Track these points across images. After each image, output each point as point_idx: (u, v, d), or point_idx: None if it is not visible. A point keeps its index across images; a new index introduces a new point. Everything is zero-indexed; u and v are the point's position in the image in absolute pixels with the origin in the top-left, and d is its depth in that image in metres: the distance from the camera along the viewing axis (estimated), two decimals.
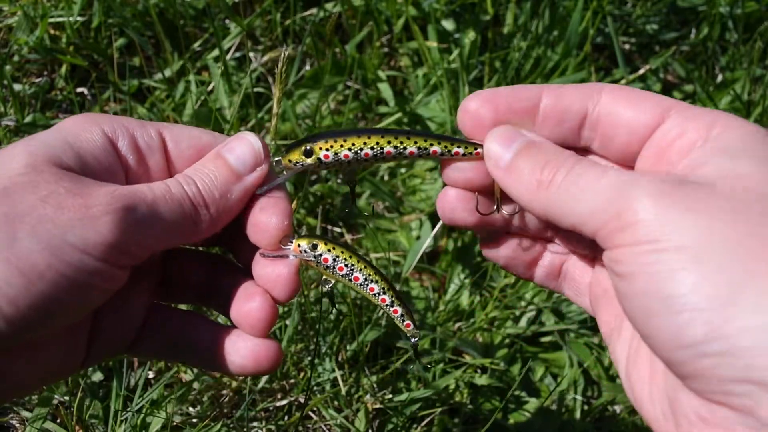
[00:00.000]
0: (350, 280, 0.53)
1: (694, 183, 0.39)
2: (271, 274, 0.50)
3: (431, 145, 0.51)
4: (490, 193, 0.51)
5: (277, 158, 0.52)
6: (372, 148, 0.51)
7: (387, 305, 0.54)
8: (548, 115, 0.48)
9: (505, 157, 0.47)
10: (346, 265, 0.53)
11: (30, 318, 0.40)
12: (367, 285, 0.53)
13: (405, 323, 0.55)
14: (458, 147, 0.50)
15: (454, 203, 0.51)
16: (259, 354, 0.50)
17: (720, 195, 0.38)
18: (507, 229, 0.53)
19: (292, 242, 0.51)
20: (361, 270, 0.53)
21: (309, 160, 0.51)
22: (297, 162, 0.51)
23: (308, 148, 0.51)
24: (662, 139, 0.44)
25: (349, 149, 0.51)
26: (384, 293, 0.54)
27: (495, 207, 0.51)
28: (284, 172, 0.52)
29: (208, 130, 0.53)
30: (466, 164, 0.51)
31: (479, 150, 0.50)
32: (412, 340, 0.56)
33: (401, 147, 0.51)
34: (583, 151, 0.50)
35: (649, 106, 0.45)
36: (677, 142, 0.43)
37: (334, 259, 0.53)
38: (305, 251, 0.52)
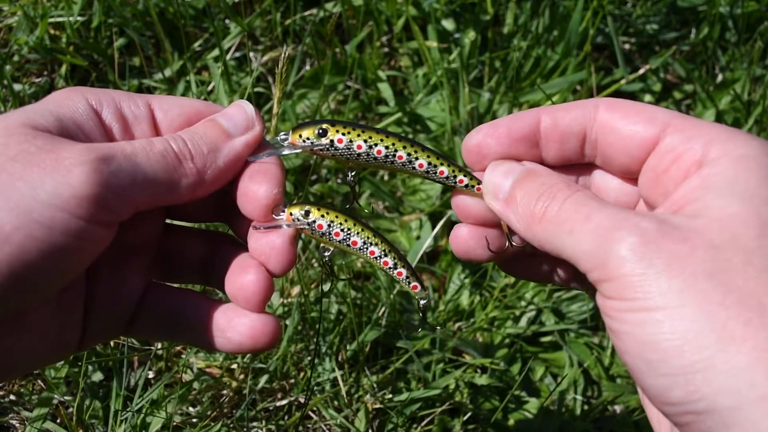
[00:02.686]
0: (348, 245, 0.51)
1: (676, 228, 0.39)
2: (265, 245, 0.49)
3: (441, 164, 0.51)
4: (499, 225, 0.51)
5: (284, 134, 0.51)
6: (387, 147, 0.50)
7: (390, 268, 0.52)
8: (550, 137, 0.49)
9: (503, 188, 0.48)
10: (342, 230, 0.51)
11: (2, 285, 0.38)
12: (367, 248, 0.51)
13: (411, 285, 0.53)
14: (464, 176, 0.50)
15: (468, 241, 0.51)
16: (255, 329, 0.48)
17: (701, 245, 0.38)
18: (523, 253, 0.53)
19: (284, 211, 0.49)
20: (358, 233, 0.51)
21: (321, 140, 0.50)
22: (308, 139, 0.50)
23: (324, 127, 0.49)
24: (658, 165, 0.44)
25: (365, 141, 0.50)
26: (386, 255, 0.52)
27: (506, 242, 0.51)
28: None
29: (201, 100, 0.51)
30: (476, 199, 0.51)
31: (480, 186, 0.50)
32: (422, 302, 0.53)
33: (414, 156, 0.50)
34: (589, 166, 0.50)
35: (644, 125, 0.45)
36: (673, 167, 0.43)
37: (329, 225, 0.50)
38: (298, 219, 0.50)
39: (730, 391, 0.35)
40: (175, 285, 0.54)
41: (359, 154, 0.50)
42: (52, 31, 1.16)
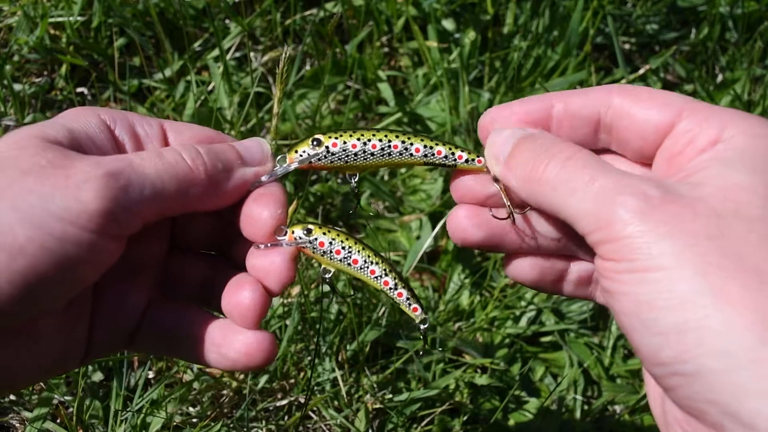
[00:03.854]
0: (349, 264, 0.51)
1: (681, 196, 0.39)
2: (264, 263, 0.49)
3: (437, 144, 0.51)
4: (500, 205, 0.51)
5: (280, 156, 0.52)
6: (380, 141, 0.51)
7: (390, 288, 0.52)
8: (562, 122, 0.49)
9: (504, 150, 0.48)
10: (343, 248, 0.51)
11: (14, 296, 0.39)
12: (368, 268, 0.51)
13: (412, 308, 0.52)
14: (462, 151, 0.51)
15: (465, 222, 0.51)
16: (250, 346, 0.48)
17: (705, 212, 0.38)
18: (522, 249, 0.52)
19: (286, 232, 0.50)
20: (359, 252, 0.51)
21: (316, 149, 0.51)
22: (304, 152, 0.51)
23: (317, 137, 0.51)
24: (673, 147, 0.45)
25: (358, 139, 0.51)
26: (386, 275, 0.51)
27: (508, 214, 0.50)
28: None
29: (213, 129, 0.53)
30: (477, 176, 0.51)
31: (481, 158, 0.50)
32: (422, 326, 0.53)
33: (408, 142, 0.51)
34: (603, 151, 0.50)
35: (660, 109, 0.45)
36: (687, 149, 0.44)
37: (330, 243, 0.51)
38: (300, 237, 0.50)
39: (721, 353, 0.35)
40: (175, 302, 0.54)
41: (356, 154, 0.51)
42: (52, 31, 1.16)
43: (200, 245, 0.56)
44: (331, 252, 0.51)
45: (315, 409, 0.94)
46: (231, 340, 0.49)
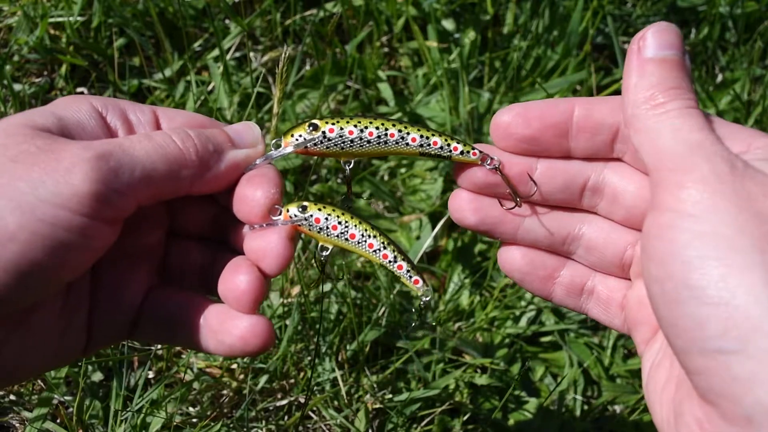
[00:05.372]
0: (346, 239, 0.50)
1: (756, 175, 0.39)
2: (261, 243, 0.48)
3: (433, 135, 0.51)
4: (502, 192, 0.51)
5: (276, 140, 0.52)
6: (377, 128, 0.51)
7: (390, 261, 0.51)
8: (582, 128, 0.48)
9: (648, 51, 0.45)
10: (339, 223, 0.50)
11: (8, 284, 0.38)
12: (366, 242, 0.50)
13: (413, 280, 0.51)
14: (457, 143, 0.51)
15: (465, 206, 0.51)
16: (246, 331, 0.47)
17: (764, 192, 0.38)
18: (516, 238, 0.52)
19: (281, 212, 0.49)
20: (356, 226, 0.50)
21: (313, 134, 0.51)
22: (300, 136, 0.51)
23: (314, 122, 0.51)
24: None
25: (355, 126, 0.51)
26: (385, 248, 0.51)
27: (512, 202, 0.51)
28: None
29: (205, 115, 0.52)
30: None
31: (476, 151, 0.51)
32: (424, 299, 0.52)
33: (405, 131, 0.51)
34: (615, 161, 0.50)
35: None
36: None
37: (326, 218, 0.50)
38: (295, 215, 0.49)
39: None
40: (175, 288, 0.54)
41: (352, 141, 0.51)
42: (52, 31, 1.16)
43: (198, 232, 0.55)
44: (327, 228, 0.50)
45: (315, 409, 0.94)
46: (228, 326, 0.48)
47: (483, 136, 1.16)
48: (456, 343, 1.00)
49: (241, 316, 0.48)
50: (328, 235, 0.50)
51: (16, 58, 1.15)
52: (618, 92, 1.38)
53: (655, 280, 0.40)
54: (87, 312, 0.49)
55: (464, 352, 1.01)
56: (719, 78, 1.30)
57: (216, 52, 1.19)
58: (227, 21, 1.23)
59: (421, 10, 1.23)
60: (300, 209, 0.50)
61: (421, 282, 0.51)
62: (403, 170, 1.16)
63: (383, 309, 0.99)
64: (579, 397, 1.01)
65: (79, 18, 1.16)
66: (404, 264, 0.51)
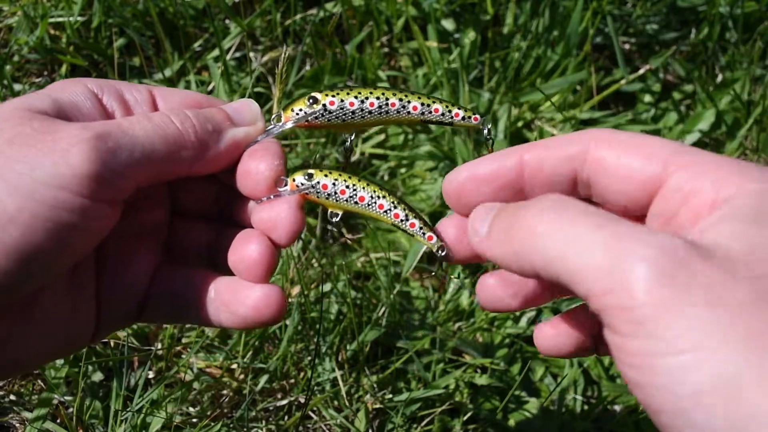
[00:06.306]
0: (356, 202, 0.50)
1: (703, 258, 0.32)
2: (270, 214, 0.48)
3: (434, 102, 0.51)
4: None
5: (275, 115, 0.52)
6: (378, 98, 0.51)
7: (402, 220, 0.50)
8: (535, 185, 0.45)
9: (482, 229, 0.43)
10: (347, 187, 0.50)
11: (10, 269, 0.38)
12: (375, 203, 0.50)
13: (427, 236, 0.50)
14: (459, 109, 0.51)
15: (496, 291, 0.51)
16: (259, 300, 0.46)
17: (732, 277, 0.31)
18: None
19: (286, 183, 0.49)
20: (364, 188, 0.50)
21: (313, 107, 0.50)
22: (300, 110, 0.51)
23: (314, 95, 0.51)
24: (666, 209, 0.39)
25: (356, 97, 0.50)
26: (395, 207, 0.50)
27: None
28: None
29: (202, 93, 0.52)
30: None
31: (477, 116, 0.51)
32: (440, 253, 0.51)
33: (405, 100, 0.51)
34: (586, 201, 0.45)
35: (642, 163, 0.40)
36: (682, 210, 0.38)
37: (334, 183, 0.50)
38: (301, 184, 0.49)
39: None
40: (182, 266, 0.53)
41: (353, 112, 0.50)
42: (52, 31, 1.16)
43: (202, 211, 0.55)
44: (335, 193, 0.50)
45: (315, 409, 0.94)
46: (240, 297, 0.47)
47: (483, 136, 1.16)
48: (456, 343, 1.00)
49: (253, 286, 0.47)
50: (337, 201, 0.50)
51: (16, 58, 1.15)
52: (618, 92, 1.36)
53: (651, 413, 0.34)
54: (94, 296, 0.48)
55: (464, 352, 1.01)
56: (719, 78, 1.30)
57: (216, 52, 1.19)
58: (227, 21, 1.23)
59: (421, 10, 1.23)
60: (306, 177, 0.50)
61: (435, 238, 0.51)
62: (403, 170, 1.16)
63: (383, 309, 0.99)
64: (579, 397, 1.01)
65: (79, 18, 1.16)
66: (416, 222, 0.51)
